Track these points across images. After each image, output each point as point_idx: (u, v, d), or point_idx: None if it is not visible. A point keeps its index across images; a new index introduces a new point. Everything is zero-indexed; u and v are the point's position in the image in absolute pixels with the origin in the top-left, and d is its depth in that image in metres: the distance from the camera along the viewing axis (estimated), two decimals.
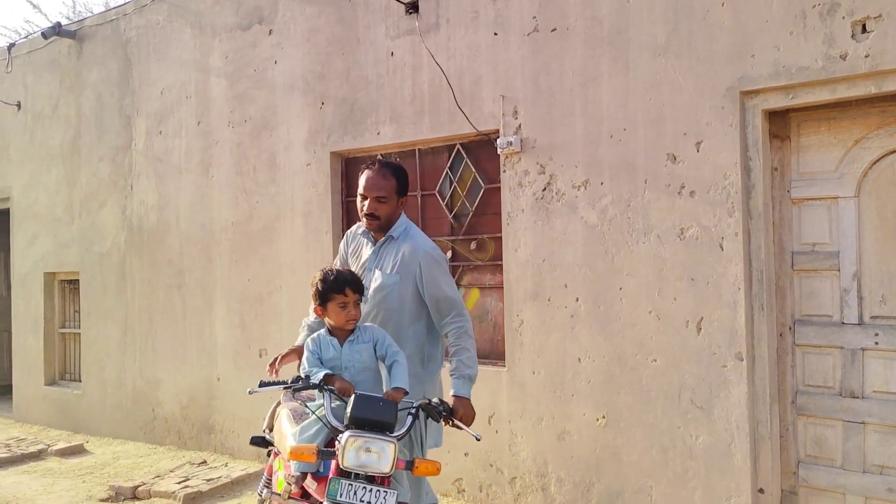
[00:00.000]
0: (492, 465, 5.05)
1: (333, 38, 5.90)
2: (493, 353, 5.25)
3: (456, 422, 3.08)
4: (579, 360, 4.67)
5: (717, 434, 4.14)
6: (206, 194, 6.83)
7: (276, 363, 3.41)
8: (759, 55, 4.01)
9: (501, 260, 5.10)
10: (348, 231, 3.68)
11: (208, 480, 5.71)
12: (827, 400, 4.02)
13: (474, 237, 5.34)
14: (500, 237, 5.10)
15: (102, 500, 5.64)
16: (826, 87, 3.87)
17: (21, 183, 8.78)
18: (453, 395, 3.18)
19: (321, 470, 2.85)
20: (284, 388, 2.98)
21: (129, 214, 7.54)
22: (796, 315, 4.13)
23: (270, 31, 6.33)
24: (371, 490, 2.63)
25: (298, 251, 6.12)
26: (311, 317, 3.49)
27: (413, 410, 2.91)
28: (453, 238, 5.44)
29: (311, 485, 2.87)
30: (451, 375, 3.27)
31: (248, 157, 6.51)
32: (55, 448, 7.18)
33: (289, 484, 2.91)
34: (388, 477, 2.71)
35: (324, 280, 3.04)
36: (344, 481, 2.64)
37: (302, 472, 2.90)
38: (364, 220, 3.42)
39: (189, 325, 6.98)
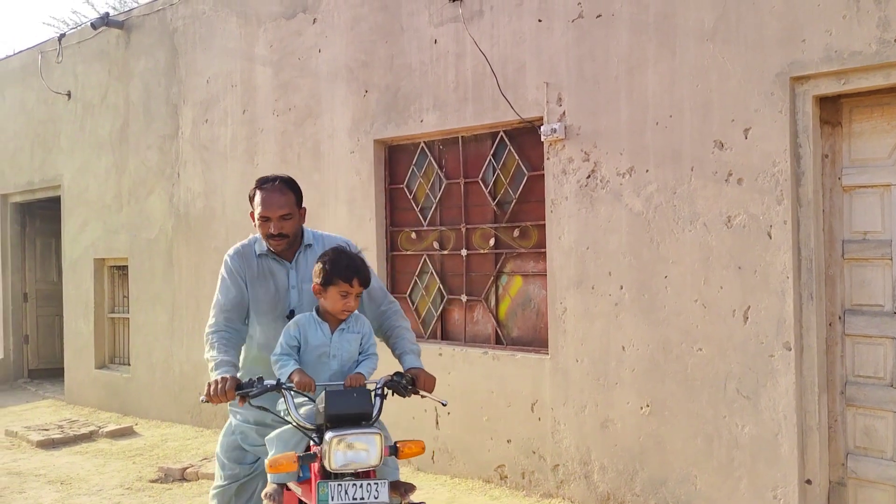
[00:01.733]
0: (534, 453, 5.07)
1: (377, 27, 5.92)
2: (535, 341, 5.26)
3: (420, 391, 2.96)
4: (623, 348, 4.66)
5: (764, 424, 4.10)
6: (251, 182, 6.85)
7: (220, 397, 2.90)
8: (810, 40, 3.94)
9: (545, 247, 5.09)
10: (231, 254, 3.30)
11: None
12: (878, 391, 3.96)
13: (517, 224, 5.34)
14: (544, 225, 5.09)
15: (152, 481, 5.79)
16: (880, 72, 3.78)
17: (72, 171, 9.00)
18: (408, 369, 3.06)
19: (301, 475, 2.71)
20: (241, 398, 2.77)
21: (175, 202, 7.68)
22: (846, 304, 4.06)
23: (315, 19, 6.37)
24: (362, 485, 2.54)
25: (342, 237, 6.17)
26: (214, 321, 3.20)
27: (379, 391, 2.83)
28: (496, 225, 5.45)
29: (297, 490, 2.75)
30: (400, 352, 3.17)
31: (292, 145, 6.58)
32: (106, 430, 7.38)
33: (268, 501, 2.70)
34: (375, 469, 2.63)
35: (334, 263, 2.90)
36: (332, 483, 2.52)
37: (279, 484, 2.75)
38: (269, 241, 3.19)
39: None
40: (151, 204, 7.96)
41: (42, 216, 10.52)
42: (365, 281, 2.95)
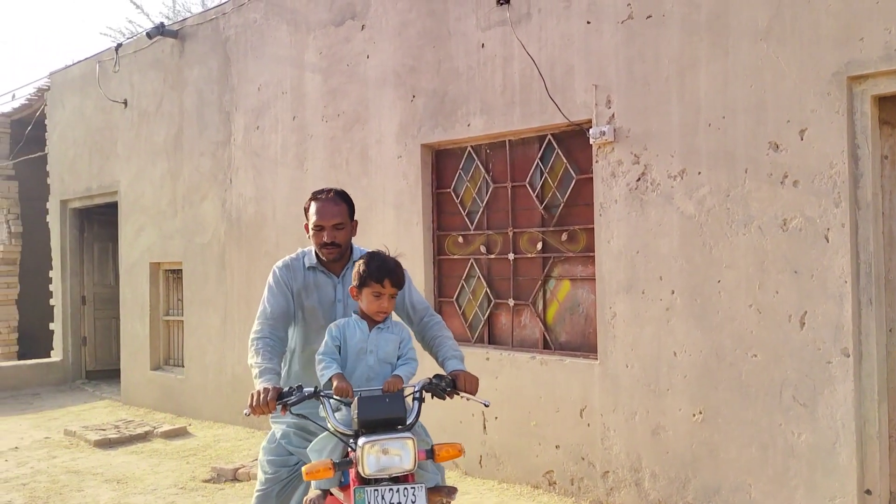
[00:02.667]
0: (584, 459, 5.02)
1: (424, 32, 5.95)
2: (584, 346, 5.21)
3: (462, 393, 2.94)
4: (675, 353, 4.59)
5: (821, 432, 4.00)
6: (300, 187, 7.01)
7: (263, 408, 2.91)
8: (868, 38, 3.83)
9: (593, 251, 5.04)
10: (279, 266, 3.37)
11: None
12: None
13: (565, 228, 5.30)
14: (592, 228, 5.05)
15: (205, 481, 5.89)
16: None
17: (128, 177, 9.22)
18: (449, 372, 3.05)
19: (343, 480, 2.73)
20: (283, 408, 2.79)
21: (228, 207, 7.82)
22: None
23: (363, 26, 6.43)
24: (398, 490, 2.53)
25: (390, 242, 6.17)
26: (259, 328, 3.24)
27: (418, 394, 2.83)
28: (544, 229, 5.42)
29: (339, 495, 2.76)
30: (442, 359, 3.17)
31: (340, 150, 6.64)
32: (160, 430, 7.54)
33: None
34: (412, 473, 2.62)
35: (367, 265, 2.94)
36: (369, 489, 2.53)
37: (323, 490, 2.78)
38: (322, 250, 3.28)
39: None
40: (205, 209, 8.11)
41: (99, 221, 10.81)
42: (397, 282, 2.98)
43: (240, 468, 5.96)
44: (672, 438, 4.59)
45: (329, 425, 2.74)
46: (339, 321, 3.04)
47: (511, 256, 5.61)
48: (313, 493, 2.78)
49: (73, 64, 10.30)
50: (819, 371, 4.00)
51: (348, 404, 2.73)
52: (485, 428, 5.56)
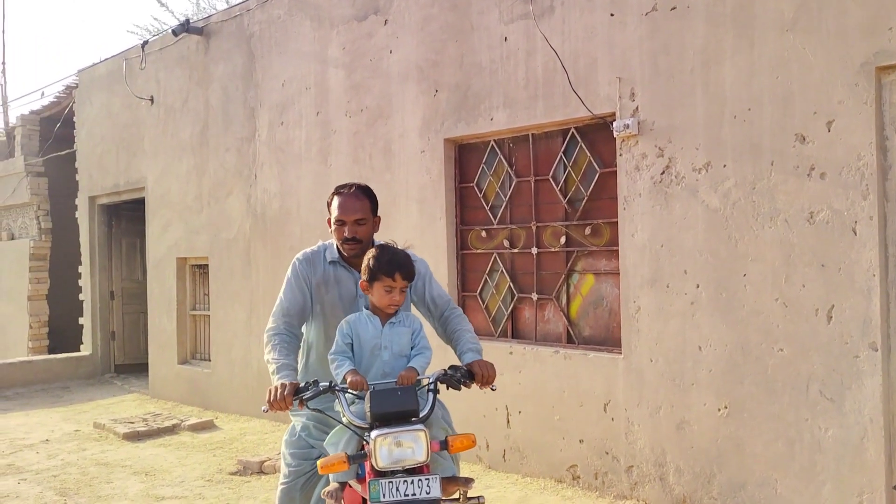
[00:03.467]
0: (607, 453, 5.01)
1: (447, 26, 5.94)
2: (608, 340, 5.19)
3: (476, 384, 2.96)
4: (700, 348, 4.56)
5: (849, 427, 3.95)
6: (324, 182, 7.04)
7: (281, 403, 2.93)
8: None
9: (617, 245, 5.02)
10: (299, 258, 3.38)
11: None
12: None
13: (589, 222, 5.29)
14: (616, 222, 5.02)
15: (231, 473, 5.96)
16: None
17: (155, 173, 9.33)
18: (466, 364, 3.06)
19: (359, 473, 2.76)
20: (297, 400, 2.82)
21: (253, 203, 7.88)
22: None
23: (386, 20, 6.44)
24: (412, 481, 2.55)
25: (413, 237, 6.20)
26: (274, 324, 3.26)
27: (432, 386, 2.84)
28: (567, 223, 5.40)
29: (357, 488, 2.78)
30: (461, 352, 3.17)
31: (364, 145, 6.67)
32: (188, 423, 7.63)
33: (330, 500, 2.78)
34: (425, 465, 2.64)
35: (377, 259, 2.95)
36: (383, 481, 2.56)
37: (340, 483, 2.81)
38: (343, 245, 3.28)
39: None
40: (230, 205, 8.19)
41: (127, 217, 10.95)
42: (408, 275, 2.98)
43: (265, 461, 6.02)
44: (697, 433, 4.57)
45: (344, 419, 2.77)
46: (350, 317, 3.03)
47: (534, 251, 5.60)
48: (332, 485, 2.80)
49: (101, 62, 10.43)
50: (846, 365, 3.96)
51: (363, 398, 2.75)
52: (508, 422, 5.56)
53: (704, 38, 4.50)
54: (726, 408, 4.43)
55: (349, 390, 2.77)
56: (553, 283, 5.51)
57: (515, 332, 5.76)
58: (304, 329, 3.37)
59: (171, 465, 6.29)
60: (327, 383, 2.81)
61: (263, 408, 2.82)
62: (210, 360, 8.67)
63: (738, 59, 4.36)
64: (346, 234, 3.24)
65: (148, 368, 9.86)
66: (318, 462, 2.72)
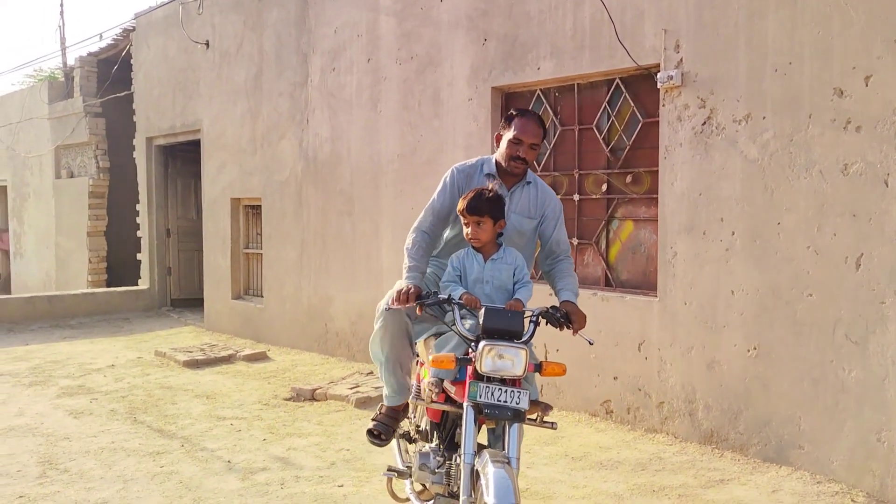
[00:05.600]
0: (640, 390, 5.30)
1: None
2: (644, 284, 5.43)
3: (572, 328, 3.25)
4: (732, 292, 4.78)
5: (871, 369, 4.17)
6: (374, 128, 7.31)
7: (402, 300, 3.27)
8: None
9: (656, 193, 5.23)
10: (458, 167, 3.59)
11: (376, 388, 6.32)
12: None
13: (630, 171, 5.49)
14: (656, 171, 5.22)
15: (286, 399, 6.39)
16: None
17: (210, 116, 9.67)
18: (562, 302, 3.34)
19: (458, 376, 3.10)
20: (417, 304, 3.17)
21: (305, 146, 8.18)
22: None
23: None
24: (506, 391, 2.89)
25: None
26: (423, 219, 3.53)
27: (535, 318, 3.15)
28: (609, 171, 5.61)
29: (450, 389, 3.15)
30: (559, 289, 3.46)
31: (413, 92, 6.89)
32: (242, 354, 8.10)
33: (429, 390, 3.17)
34: (520, 379, 2.96)
35: (464, 198, 3.27)
36: (482, 384, 2.90)
37: (439, 378, 3.16)
38: (510, 162, 3.45)
39: (358, 249, 7.59)
40: (283, 148, 8.51)
41: (183, 158, 11.36)
42: (478, 212, 3.23)
43: (317, 389, 6.43)
44: (726, 372, 4.82)
45: (454, 328, 3.13)
46: (459, 253, 3.36)
47: (576, 197, 5.83)
48: (433, 378, 3.17)
49: (158, 6, 10.73)
50: (872, 311, 4.16)
51: (473, 315, 3.10)
52: (546, 359, 5.85)
53: None
54: (755, 349, 4.68)
55: (464, 305, 3.12)
56: (593, 229, 5.75)
57: None
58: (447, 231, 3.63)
59: (230, 390, 6.75)
60: (446, 295, 3.16)
61: (386, 306, 3.19)
62: (262, 297, 9.11)
63: (781, 13, 4.47)
64: (518, 153, 3.44)
65: (202, 303, 10.38)
66: (431, 357, 3.08)
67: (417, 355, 3.76)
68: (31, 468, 4.72)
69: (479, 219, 3.24)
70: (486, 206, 3.24)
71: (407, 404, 3.78)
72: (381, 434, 3.73)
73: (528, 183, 3.57)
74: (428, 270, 3.56)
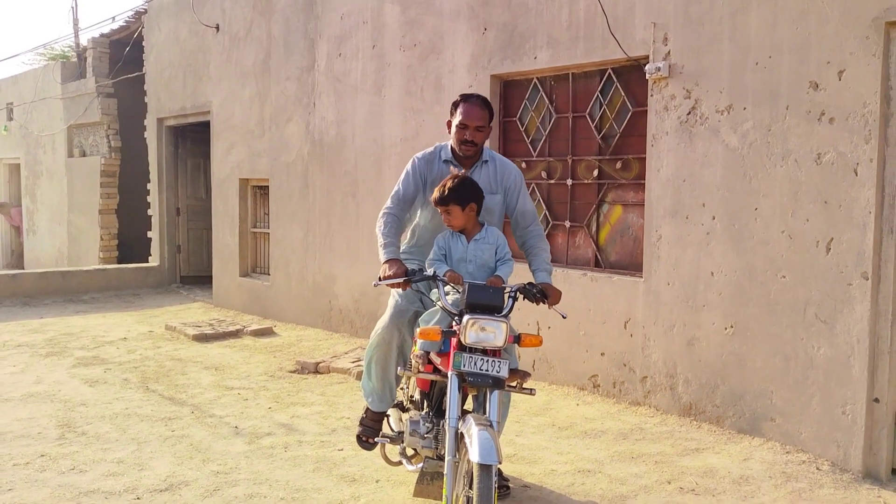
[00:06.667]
0: (625, 365, 5.59)
1: None
2: (631, 265, 5.71)
3: (548, 303, 3.55)
4: (712, 273, 5.06)
5: (838, 347, 4.45)
6: (378, 112, 7.57)
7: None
8: None
9: (644, 179, 5.49)
10: (419, 157, 3.88)
11: None
12: None
13: (620, 157, 5.75)
14: (644, 158, 5.48)
15: (291, 371, 6.71)
16: None
17: (220, 98, 9.94)
18: (539, 282, 3.64)
19: (443, 348, 3.40)
20: (405, 283, 3.48)
21: (311, 129, 8.46)
22: None
23: None
24: (487, 360, 3.18)
25: None
26: (391, 204, 3.80)
27: (513, 294, 3.45)
28: (600, 158, 5.87)
29: (436, 360, 3.45)
30: (535, 269, 3.76)
31: (416, 78, 7.15)
32: (249, 329, 8.42)
33: (416, 362, 3.48)
34: (500, 349, 3.26)
35: (440, 188, 3.55)
36: (465, 355, 3.19)
37: (425, 351, 3.47)
38: (461, 146, 3.74)
39: (361, 229, 7.88)
40: (290, 130, 8.78)
41: (192, 138, 11.65)
42: (444, 203, 3.52)
43: (320, 362, 6.75)
44: (705, 349, 5.11)
45: (439, 304, 3.43)
46: (445, 234, 3.66)
47: (569, 182, 6.10)
48: (419, 351, 3.48)
49: None
50: (840, 292, 4.43)
51: (457, 291, 3.41)
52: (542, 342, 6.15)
53: None
54: (732, 327, 4.96)
55: (448, 282, 3.42)
56: (585, 213, 6.02)
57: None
58: (415, 214, 3.96)
59: (237, 362, 7.08)
60: (431, 272, 3.46)
61: (374, 282, 3.47)
62: (269, 274, 9.43)
63: (763, 9, 4.71)
64: (466, 137, 3.74)
65: (210, 280, 10.70)
66: (417, 330, 3.38)
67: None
68: (50, 430, 5.04)
69: (446, 208, 3.54)
70: (450, 196, 3.53)
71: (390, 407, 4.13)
72: (368, 439, 4.11)
73: (486, 161, 3.86)
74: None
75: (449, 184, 3.54)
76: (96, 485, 4.12)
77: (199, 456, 4.57)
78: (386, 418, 4.20)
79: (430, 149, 3.96)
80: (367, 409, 4.16)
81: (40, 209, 15.50)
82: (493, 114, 3.90)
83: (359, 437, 4.18)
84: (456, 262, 3.60)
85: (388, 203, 3.85)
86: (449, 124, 3.86)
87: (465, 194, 3.56)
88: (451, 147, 3.87)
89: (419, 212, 3.97)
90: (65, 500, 3.91)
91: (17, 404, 5.64)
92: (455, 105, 3.84)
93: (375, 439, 4.01)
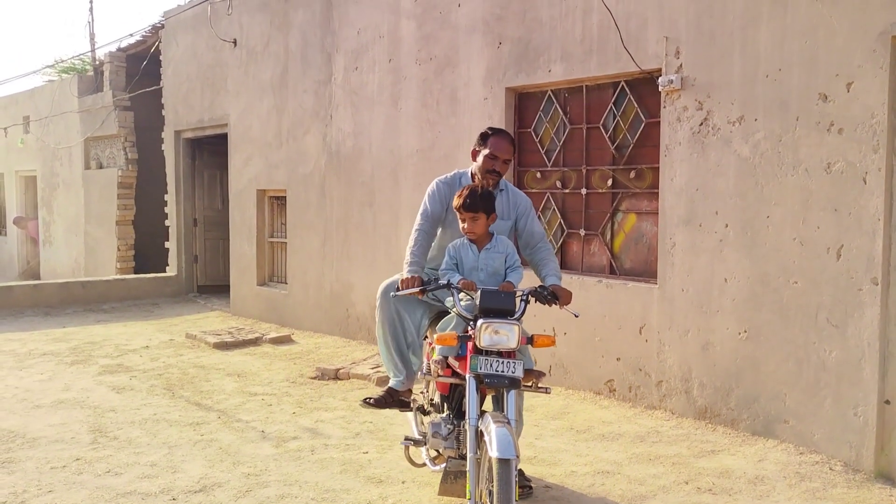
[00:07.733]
0: (641, 370, 5.73)
1: None
2: (645, 272, 5.86)
3: (559, 303, 3.72)
4: (725, 280, 5.19)
5: (849, 350, 4.58)
6: (394, 124, 7.75)
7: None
8: None
9: (657, 188, 5.64)
10: (440, 180, 4.12)
11: None
12: None
13: (634, 167, 5.90)
14: (658, 167, 5.63)
15: (311, 378, 6.86)
16: None
17: (237, 111, 10.14)
18: (549, 285, 3.82)
19: (460, 352, 3.55)
20: (420, 291, 3.68)
21: (328, 141, 8.63)
22: None
23: None
24: (503, 362, 3.33)
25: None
26: (422, 221, 4.02)
27: (525, 297, 3.61)
28: (614, 167, 6.02)
29: (454, 364, 3.61)
30: (544, 275, 3.94)
31: (432, 91, 7.32)
32: (268, 337, 8.58)
33: (435, 367, 3.65)
34: (514, 351, 3.41)
35: (459, 196, 3.75)
36: (481, 357, 3.35)
37: (443, 356, 3.63)
38: (486, 175, 3.96)
39: (378, 238, 8.05)
40: (307, 142, 8.96)
41: (210, 151, 11.84)
42: (474, 209, 3.70)
43: (340, 369, 6.90)
44: (719, 353, 5.24)
45: (454, 310, 3.61)
46: (456, 242, 3.84)
47: (583, 191, 6.25)
48: (438, 357, 3.64)
49: (187, 6, 11.17)
50: (851, 297, 4.56)
51: (470, 297, 3.57)
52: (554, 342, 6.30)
53: (744, 3, 5.01)
54: (746, 332, 5.09)
55: (462, 289, 3.59)
56: (599, 221, 6.17)
57: (564, 264, 6.45)
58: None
59: (259, 369, 7.23)
60: (446, 281, 3.64)
61: (392, 292, 3.72)
62: (286, 283, 9.59)
63: (773, 23, 4.87)
64: (494, 167, 3.99)
65: (226, 289, 10.88)
66: (435, 336, 3.56)
67: (427, 337, 4.24)
68: (83, 436, 5.20)
69: (474, 214, 3.71)
70: (481, 203, 3.72)
71: (409, 391, 4.32)
72: (374, 402, 4.29)
73: (501, 190, 4.09)
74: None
75: (479, 191, 3.72)
76: (132, 486, 4.27)
77: (229, 459, 4.72)
78: (413, 415, 4.34)
79: (450, 174, 4.19)
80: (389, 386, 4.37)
81: (57, 220, 15.73)
82: (516, 150, 4.13)
83: (366, 399, 4.37)
84: (468, 271, 3.76)
85: (419, 220, 4.05)
86: (475, 153, 4.07)
87: (491, 204, 3.75)
88: (472, 174, 4.09)
89: (439, 231, 4.17)
90: (104, 501, 4.06)
91: (49, 410, 5.81)
92: (484, 137, 4.07)
93: (401, 442, 4.15)
